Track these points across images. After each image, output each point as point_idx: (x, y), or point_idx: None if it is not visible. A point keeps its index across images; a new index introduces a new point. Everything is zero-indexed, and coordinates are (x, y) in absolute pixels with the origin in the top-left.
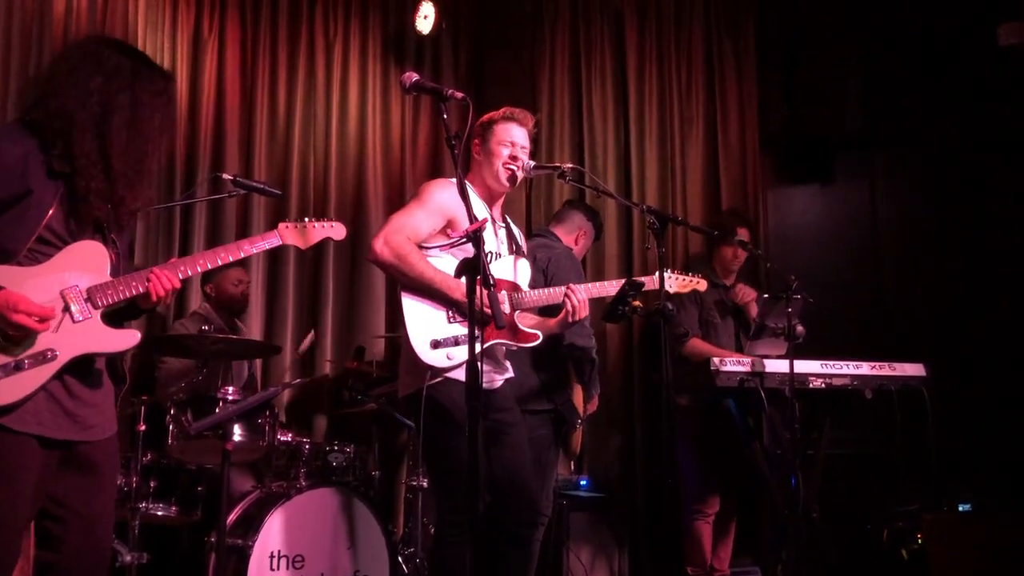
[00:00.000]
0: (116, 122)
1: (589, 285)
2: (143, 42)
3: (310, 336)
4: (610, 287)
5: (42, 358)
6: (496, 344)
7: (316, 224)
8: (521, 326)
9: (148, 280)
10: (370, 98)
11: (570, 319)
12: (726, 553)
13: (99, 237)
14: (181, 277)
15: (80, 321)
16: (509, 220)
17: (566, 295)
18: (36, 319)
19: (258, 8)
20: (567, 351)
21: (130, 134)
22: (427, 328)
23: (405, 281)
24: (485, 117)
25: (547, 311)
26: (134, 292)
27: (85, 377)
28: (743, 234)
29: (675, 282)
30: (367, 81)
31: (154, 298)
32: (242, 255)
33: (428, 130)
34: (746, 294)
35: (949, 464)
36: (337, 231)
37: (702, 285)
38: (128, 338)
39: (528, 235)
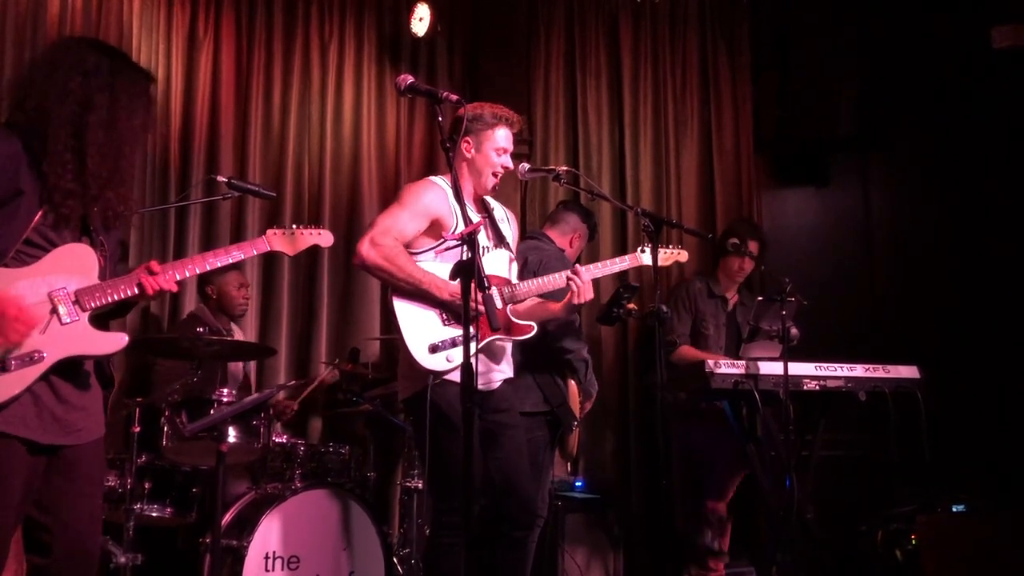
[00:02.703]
0: (93, 121)
1: (592, 265)
2: (138, 43)
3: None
4: (613, 265)
5: (28, 359)
6: (492, 341)
7: (304, 231)
8: (514, 319)
9: (142, 279)
10: (365, 100)
11: (576, 300)
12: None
13: (86, 239)
14: (178, 278)
15: (68, 323)
16: (491, 203)
17: (569, 278)
18: (22, 327)
19: (253, 9)
20: (559, 354)
21: (107, 133)
22: (423, 333)
23: (394, 283)
24: (474, 110)
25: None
26: (122, 295)
27: (73, 380)
28: (753, 247)
29: (659, 256)
30: (362, 83)
31: (150, 291)
32: (230, 260)
33: (423, 132)
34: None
35: (943, 466)
36: (325, 238)
37: (683, 256)
38: (116, 341)
39: (522, 237)
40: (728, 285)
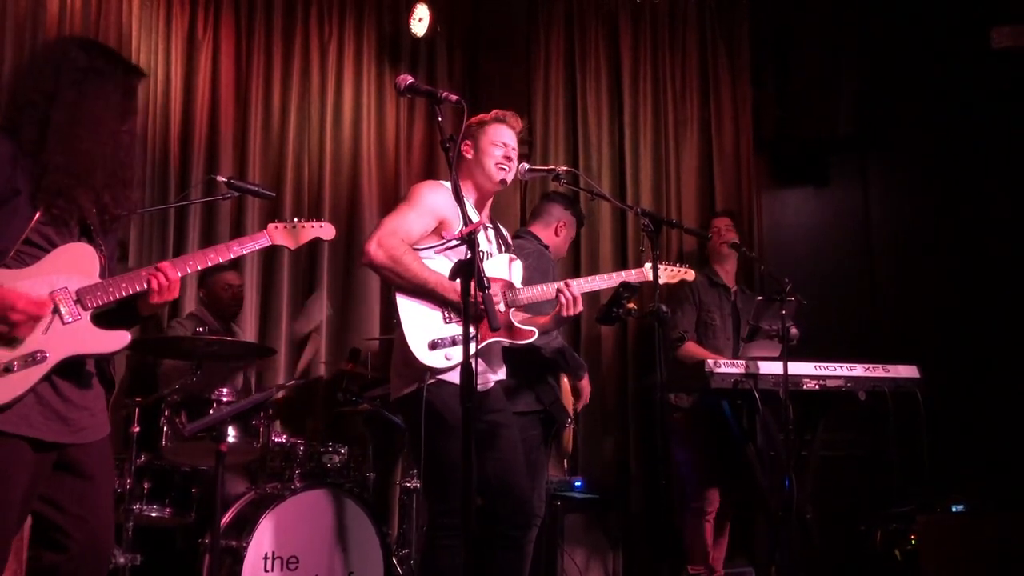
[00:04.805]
0: (56, 115)
1: (582, 280)
2: (137, 43)
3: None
4: (602, 281)
5: (31, 360)
6: (492, 343)
7: (305, 224)
8: (516, 324)
9: (151, 276)
10: (365, 100)
11: (564, 313)
12: (721, 553)
13: (85, 239)
14: (179, 275)
15: (70, 323)
16: (496, 221)
17: (559, 290)
18: (27, 319)
19: (252, 10)
20: (535, 355)
21: (71, 128)
22: (424, 329)
23: (400, 283)
24: (475, 119)
25: (535, 309)
26: (124, 293)
27: (76, 380)
28: (717, 222)
29: (664, 273)
30: (362, 83)
31: (155, 285)
32: (232, 256)
33: (423, 133)
34: None
35: (942, 465)
36: (326, 231)
37: (690, 275)
38: (118, 339)
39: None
40: (725, 272)
